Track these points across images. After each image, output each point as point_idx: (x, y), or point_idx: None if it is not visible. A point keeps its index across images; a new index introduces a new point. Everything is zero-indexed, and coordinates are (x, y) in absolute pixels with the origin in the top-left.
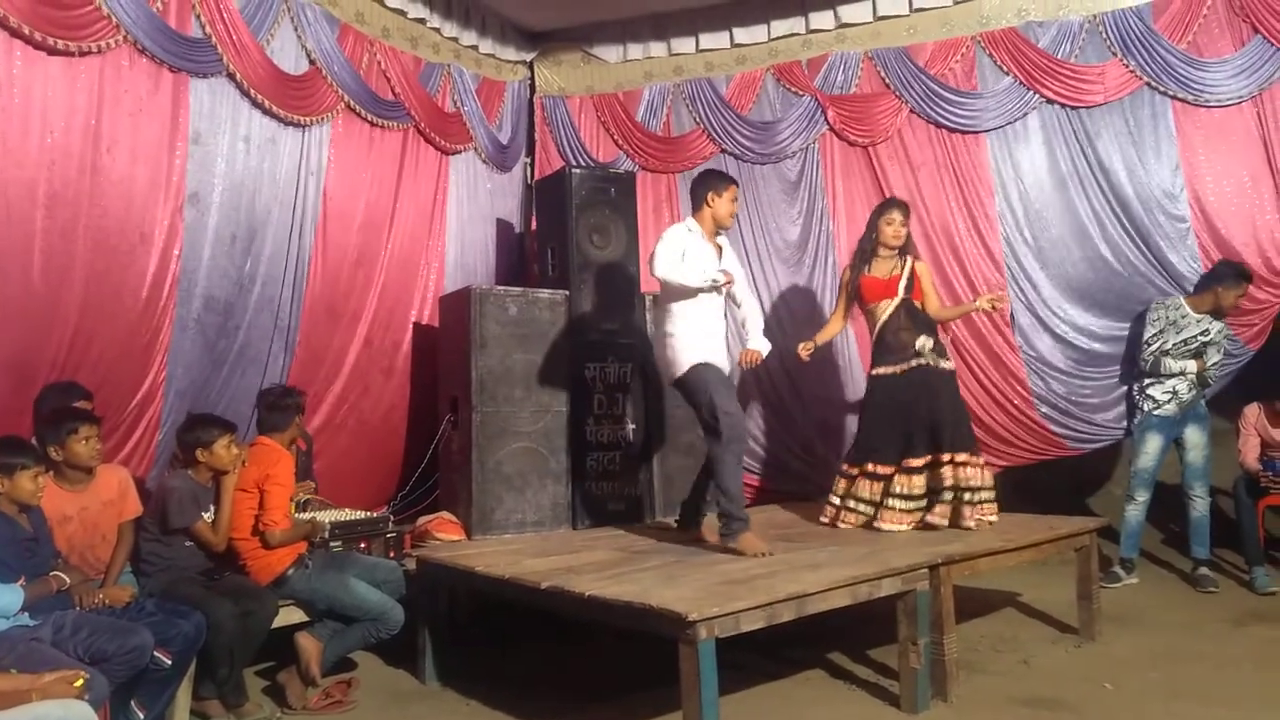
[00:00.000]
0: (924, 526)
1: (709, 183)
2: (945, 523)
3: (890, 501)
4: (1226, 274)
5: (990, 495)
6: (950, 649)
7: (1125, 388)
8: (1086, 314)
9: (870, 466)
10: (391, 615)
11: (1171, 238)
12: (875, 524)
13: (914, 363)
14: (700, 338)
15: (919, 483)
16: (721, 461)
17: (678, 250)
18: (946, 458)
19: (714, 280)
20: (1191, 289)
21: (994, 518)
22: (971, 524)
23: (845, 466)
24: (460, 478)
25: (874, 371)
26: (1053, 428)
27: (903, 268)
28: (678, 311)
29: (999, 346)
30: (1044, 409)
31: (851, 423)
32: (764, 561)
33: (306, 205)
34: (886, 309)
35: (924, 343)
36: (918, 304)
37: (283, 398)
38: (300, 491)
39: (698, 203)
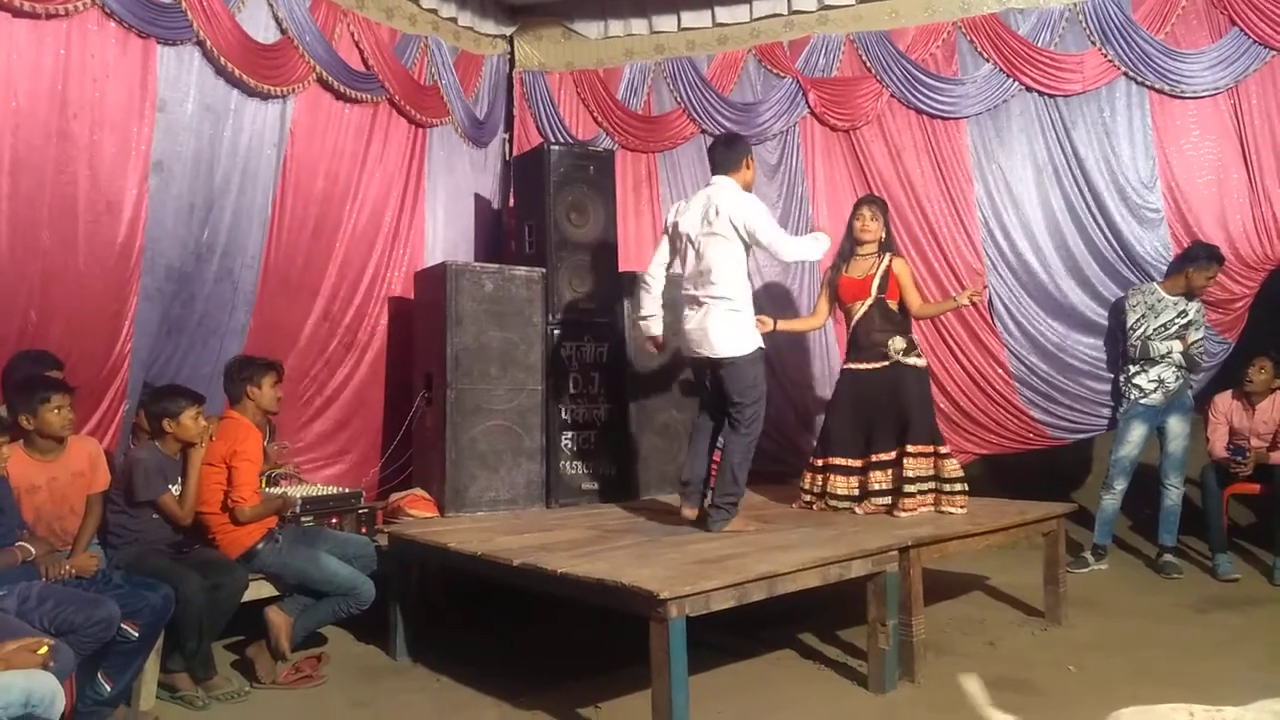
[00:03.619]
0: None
1: (744, 146)
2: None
3: (871, 499)
4: (1198, 255)
5: (963, 486)
6: (918, 630)
7: (1110, 376)
8: (1064, 300)
9: (837, 460)
10: (362, 590)
11: (1145, 227)
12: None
13: (885, 362)
14: (753, 317)
15: (889, 476)
16: (745, 446)
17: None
18: (914, 449)
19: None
20: (1163, 278)
21: (963, 510)
22: (955, 511)
23: (812, 459)
24: (434, 455)
25: (846, 365)
26: (1034, 413)
27: (878, 266)
28: (743, 287)
29: (980, 329)
30: (1025, 393)
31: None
32: (735, 542)
33: (270, 176)
34: (860, 309)
35: (895, 343)
36: (892, 304)
37: (238, 369)
38: (271, 465)
39: (734, 164)
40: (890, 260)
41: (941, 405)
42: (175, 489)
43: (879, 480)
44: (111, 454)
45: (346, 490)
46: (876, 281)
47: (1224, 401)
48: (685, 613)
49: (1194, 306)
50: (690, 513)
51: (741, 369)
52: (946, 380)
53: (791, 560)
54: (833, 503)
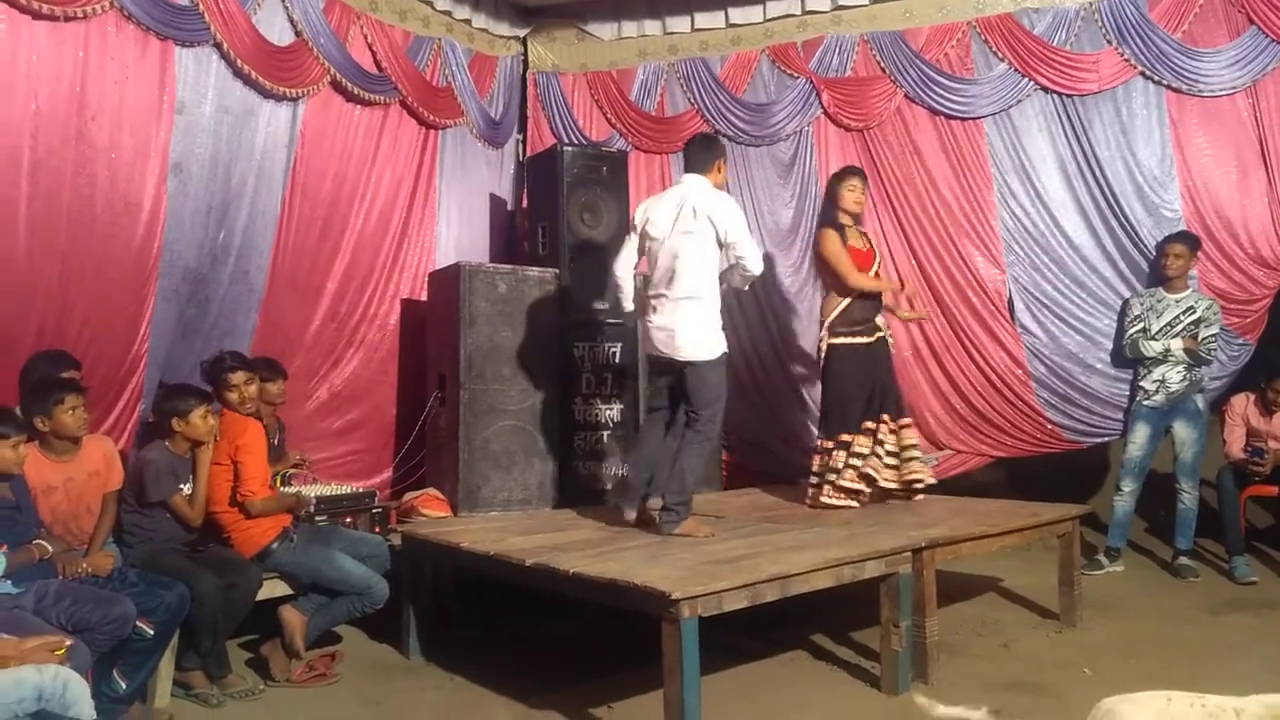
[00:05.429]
0: (884, 494)
1: (719, 148)
2: (896, 485)
3: (853, 461)
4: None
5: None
6: (931, 632)
7: (1127, 378)
8: (1083, 299)
9: (845, 436)
10: (376, 590)
11: (1164, 227)
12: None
13: (875, 336)
14: (719, 319)
15: (869, 443)
16: (698, 450)
17: None
18: (906, 421)
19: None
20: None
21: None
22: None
23: (821, 441)
24: (447, 454)
25: (837, 341)
26: (1050, 415)
27: (869, 240)
28: (713, 287)
29: (999, 329)
30: (1042, 394)
31: None
32: (748, 542)
33: (284, 177)
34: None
35: (882, 319)
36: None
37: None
38: (286, 465)
39: (708, 165)
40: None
41: (957, 407)
42: (187, 488)
43: (882, 449)
44: (127, 454)
45: (360, 489)
46: (876, 257)
47: (1240, 402)
48: (698, 613)
49: (1204, 304)
50: (630, 514)
51: (704, 373)
52: (963, 381)
53: (804, 561)
54: (830, 476)
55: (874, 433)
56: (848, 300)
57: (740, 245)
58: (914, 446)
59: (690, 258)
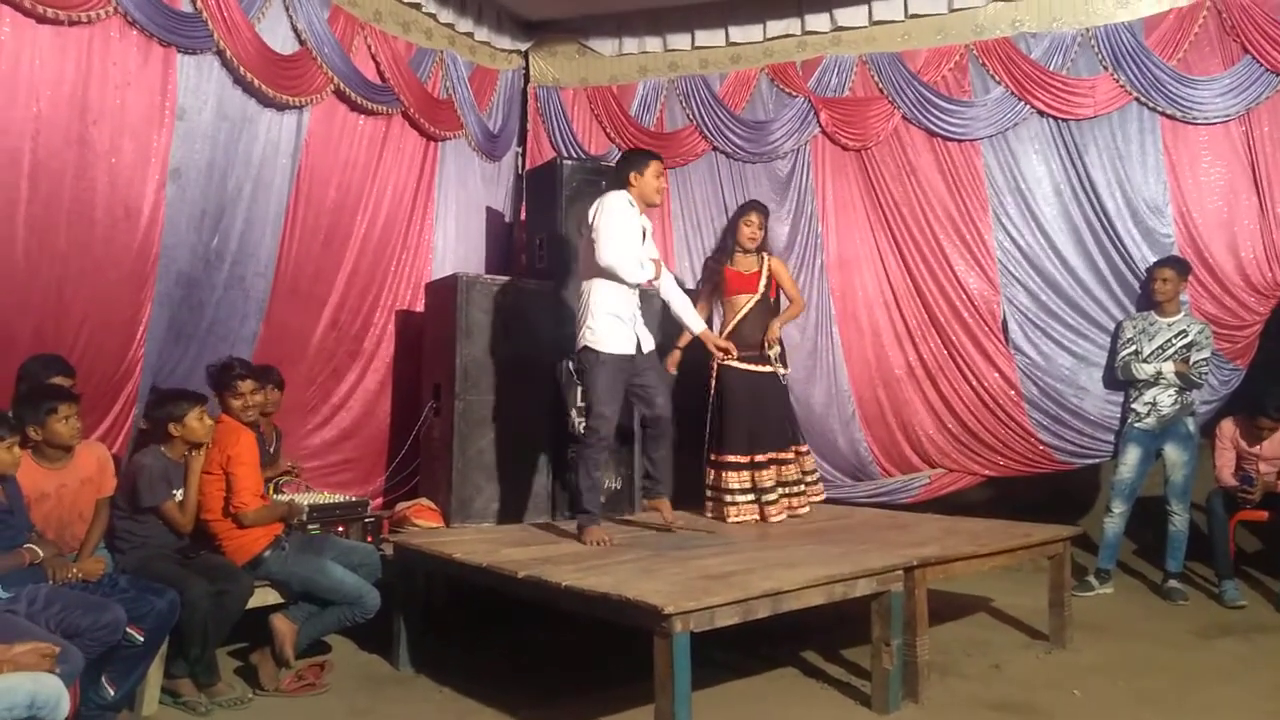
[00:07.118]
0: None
1: (630, 163)
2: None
3: (767, 496)
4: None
5: (817, 475)
6: (922, 651)
7: (1118, 400)
8: (1077, 322)
9: (729, 456)
10: (367, 599)
11: (1157, 252)
12: (766, 518)
13: (765, 367)
14: (614, 320)
15: (776, 474)
16: (580, 462)
17: (627, 232)
18: (802, 449)
19: (647, 280)
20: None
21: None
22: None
23: (713, 456)
24: (441, 465)
25: (727, 362)
26: (1042, 436)
27: (761, 265)
28: (601, 284)
29: (993, 351)
30: (1035, 415)
31: (834, 426)
32: (741, 558)
33: (284, 185)
34: (747, 304)
35: (776, 351)
36: (772, 300)
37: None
38: (278, 472)
39: (621, 180)
40: (769, 260)
41: (950, 425)
42: (179, 494)
43: (768, 478)
44: (121, 459)
45: (353, 499)
46: (763, 280)
47: (1229, 427)
48: (690, 628)
49: (1196, 327)
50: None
51: (580, 361)
52: (955, 401)
53: (796, 577)
54: (728, 498)
55: (749, 467)
56: (734, 323)
57: (593, 231)
58: (814, 470)
59: (583, 255)
